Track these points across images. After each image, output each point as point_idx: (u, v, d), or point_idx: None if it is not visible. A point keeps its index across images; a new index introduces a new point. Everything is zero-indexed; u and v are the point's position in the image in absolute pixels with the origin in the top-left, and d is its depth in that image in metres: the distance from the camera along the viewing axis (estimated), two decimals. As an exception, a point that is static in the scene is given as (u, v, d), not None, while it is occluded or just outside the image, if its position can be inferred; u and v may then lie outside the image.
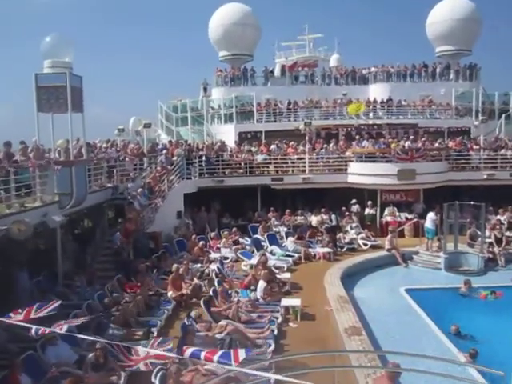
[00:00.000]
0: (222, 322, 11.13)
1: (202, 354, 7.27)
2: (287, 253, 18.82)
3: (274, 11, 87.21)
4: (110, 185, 19.36)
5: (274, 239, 20.09)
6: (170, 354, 7.38)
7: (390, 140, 25.54)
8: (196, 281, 15.08)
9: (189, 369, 8.95)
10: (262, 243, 19.70)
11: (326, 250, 18.98)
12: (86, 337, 7.40)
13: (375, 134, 27.76)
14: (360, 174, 23.05)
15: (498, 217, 21.77)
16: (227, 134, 29.72)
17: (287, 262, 17.69)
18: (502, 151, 24.58)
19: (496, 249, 18.71)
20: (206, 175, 22.92)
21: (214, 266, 16.43)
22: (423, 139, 25.40)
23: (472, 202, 19.43)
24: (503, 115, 30.88)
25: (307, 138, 24.60)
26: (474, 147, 25.07)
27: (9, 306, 11.95)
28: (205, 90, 35.09)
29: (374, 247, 20.21)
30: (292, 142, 25.55)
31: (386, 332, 12.13)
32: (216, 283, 14.31)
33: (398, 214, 22.69)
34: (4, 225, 11.19)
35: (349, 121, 29.30)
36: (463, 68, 34.28)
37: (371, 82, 34.25)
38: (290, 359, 8.79)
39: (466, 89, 32.20)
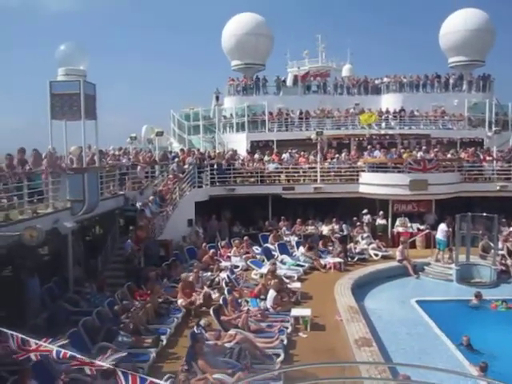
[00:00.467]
0: (232, 331, 11.11)
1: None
2: (298, 262, 18.76)
3: (286, 20, 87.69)
4: (121, 192, 19.44)
5: (284, 248, 20.04)
6: (54, 348, 7.08)
7: (402, 150, 25.46)
8: (206, 289, 15.06)
9: (197, 377, 8.93)
10: (273, 252, 19.65)
11: (337, 259, 18.90)
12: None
13: (387, 144, 27.66)
14: (371, 184, 22.98)
15: (511, 229, 21.55)
16: (239, 142, 29.79)
17: (297, 272, 17.63)
18: (516, 163, 24.38)
19: (509, 261, 18.55)
20: (217, 183, 22.97)
21: (224, 275, 16.42)
22: (436, 150, 25.26)
23: (485, 214, 19.28)
24: (516, 126, 30.69)
25: (319, 147, 24.59)
26: (487, 158, 24.91)
27: (19, 312, 12.08)
28: (217, 98, 35.26)
29: (385, 258, 20.09)
30: (303, 152, 25.58)
31: (396, 343, 12.05)
32: (226, 292, 14.29)
33: (409, 224, 22.56)
34: (16, 231, 11.26)
35: (361, 131, 29.25)
36: (476, 79, 34.13)
37: (383, 92, 34.21)
38: (300, 369, 8.74)
39: (479, 99, 32.04)
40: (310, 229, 22.48)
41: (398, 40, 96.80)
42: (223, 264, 18.22)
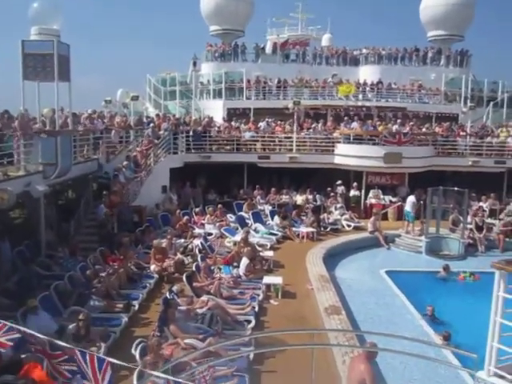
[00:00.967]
0: (204, 298, 11.21)
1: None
2: (271, 231, 18.91)
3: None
4: (95, 156, 19.18)
5: (258, 217, 20.15)
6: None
7: (378, 123, 25.58)
8: (179, 255, 15.12)
9: (169, 342, 9.03)
10: (247, 221, 19.74)
11: (310, 229, 19.10)
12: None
13: (363, 116, 27.74)
14: (347, 155, 23.08)
15: (481, 203, 22.03)
16: (215, 109, 29.52)
17: (270, 241, 17.79)
18: (488, 139, 24.76)
19: (477, 235, 18.97)
20: (192, 150, 22.79)
21: (197, 242, 16.48)
22: (411, 123, 25.45)
23: (456, 188, 19.63)
24: (491, 103, 31.09)
25: (295, 117, 24.53)
26: (461, 133, 25.23)
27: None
28: (194, 64, 34.67)
29: (358, 229, 20.38)
30: (280, 121, 25.51)
31: (365, 312, 12.32)
32: (199, 258, 14.38)
33: (382, 196, 22.82)
34: (-14, 193, 11.08)
35: (338, 102, 29.23)
36: (454, 54, 34.29)
37: (362, 63, 34.17)
38: (270, 336, 8.91)
39: (456, 75, 32.27)
40: (285, 198, 22.61)
41: (378, 11, 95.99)
42: (197, 231, 18.26)
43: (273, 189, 22.92)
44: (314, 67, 33.73)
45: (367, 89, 31.02)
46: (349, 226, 20.62)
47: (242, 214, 20.43)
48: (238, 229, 18.85)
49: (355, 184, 23.09)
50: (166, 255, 14.75)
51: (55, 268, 13.38)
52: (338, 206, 21.88)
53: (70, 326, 9.03)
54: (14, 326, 6.39)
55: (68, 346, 6.27)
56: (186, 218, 18.76)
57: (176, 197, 21.09)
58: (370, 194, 22.84)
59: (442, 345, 10.20)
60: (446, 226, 19.42)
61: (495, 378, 5.59)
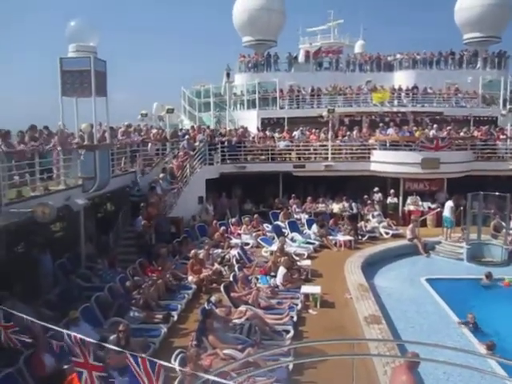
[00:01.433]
0: (242, 308, 11.21)
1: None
2: (308, 240, 18.81)
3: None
4: (132, 169, 19.51)
5: (294, 226, 20.09)
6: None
7: (414, 128, 25.21)
8: (216, 266, 15.18)
9: (208, 353, 9.04)
10: (283, 230, 19.71)
11: (347, 237, 18.92)
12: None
13: (399, 122, 27.38)
14: (383, 162, 22.82)
15: (524, 208, 21.38)
16: (250, 120, 29.64)
17: (308, 249, 17.69)
18: (530, 141, 24.08)
19: (520, 241, 18.41)
20: (228, 161, 22.93)
21: (234, 252, 16.52)
22: (448, 128, 24.98)
23: (497, 193, 19.13)
24: (531, 104, 30.23)
25: (330, 125, 24.41)
26: (501, 137, 24.61)
27: (33, 288, 12.26)
28: (228, 75, 35.00)
29: (396, 236, 20.07)
30: (314, 129, 25.43)
31: (405, 321, 12.10)
32: (236, 269, 14.40)
33: (420, 203, 22.45)
34: (29, 207, 11.35)
35: (373, 108, 28.98)
36: (491, 55, 33.57)
37: (396, 69, 33.75)
38: (309, 346, 8.83)
39: (493, 77, 31.50)
40: (321, 207, 22.48)
41: (411, 16, 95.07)
42: (233, 241, 18.32)
43: (309, 197, 22.82)
44: (347, 74, 33.55)
45: (402, 94, 30.62)
46: (387, 233, 20.33)
47: (279, 223, 20.40)
48: (274, 238, 18.82)
49: (392, 191, 22.77)
50: (204, 266, 14.83)
51: (95, 280, 13.63)
52: (376, 213, 21.62)
53: (111, 337, 9.15)
54: (66, 332, 6.50)
55: (118, 349, 6.39)
56: (222, 228, 18.86)
57: (212, 207, 21.23)
58: (408, 201, 22.49)
59: (487, 354, 9.90)
60: (487, 232, 18.93)
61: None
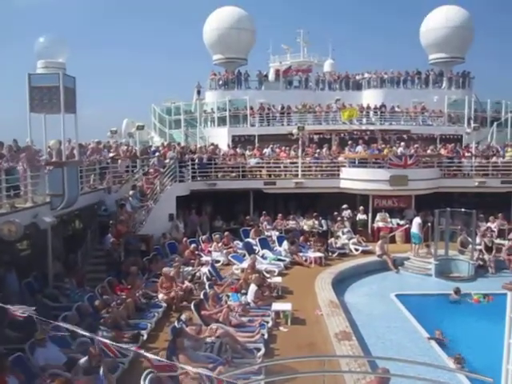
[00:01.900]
0: (213, 326, 11.11)
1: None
2: (279, 257, 18.82)
3: (269, 16, 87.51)
4: (101, 187, 19.29)
5: (265, 243, 20.07)
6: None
7: (382, 146, 25.66)
8: (187, 284, 15.04)
9: (178, 372, 8.91)
10: (254, 247, 19.67)
11: (318, 254, 19.00)
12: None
13: (368, 140, 27.83)
14: (352, 179, 23.11)
15: (489, 224, 21.87)
16: (220, 137, 29.73)
17: (278, 267, 17.68)
18: (494, 159, 24.73)
19: (486, 256, 18.81)
20: (198, 178, 22.87)
21: (205, 269, 16.42)
22: (416, 146, 25.50)
23: (463, 209, 19.54)
24: (495, 123, 31.19)
25: (300, 142, 24.65)
26: (466, 154, 25.22)
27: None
28: (198, 92, 35.15)
29: (366, 252, 20.25)
30: (285, 147, 25.62)
31: (375, 337, 12.17)
32: (207, 286, 14.29)
33: (389, 219, 22.74)
34: (-6, 225, 11.11)
35: (342, 126, 29.40)
36: (456, 76, 34.55)
37: (365, 87, 34.45)
38: (280, 363, 8.80)
39: (458, 96, 32.44)
40: (291, 224, 22.55)
41: (380, 36, 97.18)
42: (204, 259, 18.20)
43: (279, 214, 22.88)
44: (316, 93, 34.06)
45: (371, 112, 31.24)
46: (357, 250, 20.50)
47: (249, 240, 20.37)
48: (245, 255, 18.78)
49: (362, 207, 23.04)
50: (174, 283, 14.68)
51: (63, 299, 13.35)
52: (345, 230, 21.80)
53: (83, 360, 8.92)
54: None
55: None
56: (193, 245, 18.73)
57: (183, 225, 21.09)
58: (377, 218, 22.76)
59: (456, 369, 10.02)
60: (454, 247, 19.28)
61: (511, 401, 5.46)
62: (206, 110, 33.11)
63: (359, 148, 25.00)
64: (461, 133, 30.02)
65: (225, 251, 19.12)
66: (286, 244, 19.60)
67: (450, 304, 15.08)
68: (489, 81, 73.76)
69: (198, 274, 16.39)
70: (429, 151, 25.45)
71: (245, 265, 16.84)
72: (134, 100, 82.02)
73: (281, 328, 12.28)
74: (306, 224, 22.36)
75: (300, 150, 24.40)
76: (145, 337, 11.28)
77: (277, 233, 21.47)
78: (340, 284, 16.54)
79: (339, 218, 22.49)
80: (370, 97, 33.15)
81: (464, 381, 9.37)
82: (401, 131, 29.44)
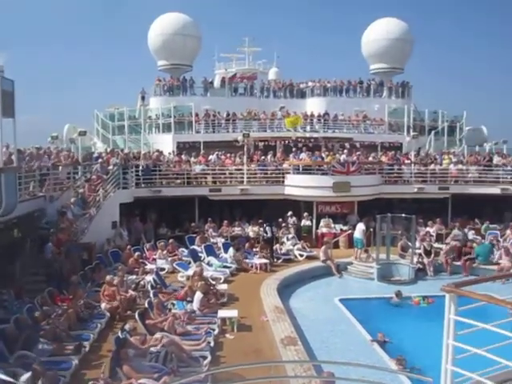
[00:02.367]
0: (158, 335, 10.95)
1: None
2: (224, 264, 18.79)
3: (214, 23, 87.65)
4: (41, 194, 18.69)
5: (211, 250, 20.00)
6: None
7: (326, 153, 26.11)
8: (131, 292, 14.76)
9: (123, 383, 8.75)
10: (199, 254, 19.57)
11: (263, 260, 19.09)
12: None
13: (312, 147, 28.24)
14: (297, 185, 23.38)
15: (428, 229, 22.62)
16: (165, 143, 29.44)
17: (224, 273, 17.65)
18: (431, 166, 25.64)
19: (425, 259, 19.44)
20: (142, 185, 22.53)
21: (149, 278, 16.18)
22: (358, 153, 26.10)
23: (403, 215, 20.15)
24: (432, 132, 32.38)
25: (245, 149, 24.76)
26: (406, 161, 26.04)
27: None
28: (143, 98, 34.74)
29: (310, 258, 20.50)
30: (230, 154, 25.66)
31: (321, 341, 12.33)
32: (152, 295, 14.08)
33: (333, 225, 23.12)
34: None
35: (286, 133, 29.69)
36: (396, 85, 35.66)
37: (308, 95, 35.00)
38: (227, 371, 8.76)
39: (398, 105, 33.49)
40: (237, 230, 22.58)
41: (322, 45, 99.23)
42: (148, 267, 17.93)
43: (225, 221, 22.87)
44: (261, 100, 34.34)
45: (314, 120, 31.76)
46: (301, 255, 20.73)
47: (195, 247, 20.25)
48: (190, 263, 18.64)
49: (306, 214, 23.33)
50: (118, 292, 14.37)
51: (0, 311, 12.80)
52: (290, 236, 22.01)
53: (26, 375, 8.56)
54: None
55: None
56: (137, 253, 18.41)
57: (126, 232, 20.71)
58: (321, 223, 23.11)
59: (398, 370, 10.29)
60: (395, 252, 19.83)
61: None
62: (151, 116, 32.71)
63: (303, 155, 25.34)
64: (401, 141, 30.99)
65: (170, 259, 18.90)
66: (231, 251, 19.59)
67: (391, 307, 15.48)
68: (426, 91, 76.71)
69: (142, 282, 16.13)
70: (370, 158, 26.12)
71: (190, 272, 16.71)
72: (76, 105, 79.93)
73: (227, 335, 12.24)
74: (252, 230, 22.45)
75: (245, 157, 24.50)
76: (87, 348, 10.97)
77: (222, 240, 21.43)
78: (285, 290, 16.68)
79: (284, 225, 22.69)
80: (314, 105, 33.70)
81: (405, 381, 9.63)
82: (343, 139, 30.04)
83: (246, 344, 11.58)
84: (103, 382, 8.24)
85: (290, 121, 29.09)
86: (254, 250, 20.43)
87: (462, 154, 29.13)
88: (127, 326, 11.25)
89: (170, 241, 20.36)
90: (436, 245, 20.95)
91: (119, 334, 11.02)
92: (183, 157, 25.40)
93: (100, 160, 22.12)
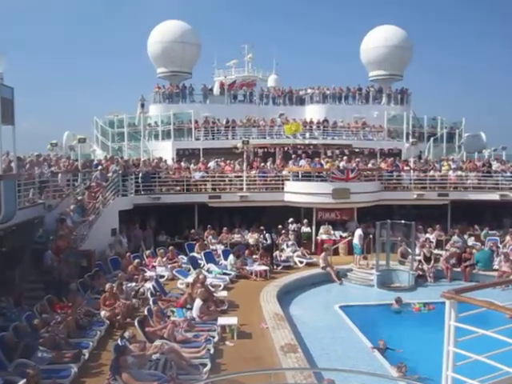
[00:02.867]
0: (157, 342, 10.92)
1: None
2: (224, 271, 18.76)
3: (213, 30, 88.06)
4: (41, 201, 18.67)
5: (210, 257, 19.98)
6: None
7: (326, 160, 26.14)
8: (130, 300, 14.72)
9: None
10: (199, 261, 19.56)
11: (263, 267, 19.06)
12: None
13: (311, 154, 28.28)
14: (296, 192, 23.39)
15: (427, 235, 22.61)
16: (164, 150, 29.47)
17: (224, 281, 17.61)
18: (431, 172, 25.66)
19: (425, 266, 19.42)
20: (142, 192, 22.53)
21: (149, 285, 16.14)
22: (357, 160, 26.13)
23: (403, 221, 20.14)
24: (431, 138, 32.42)
25: (245, 156, 24.75)
26: (405, 168, 26.06)
27: None
28: (142, 106, 34.80)
29: (310, 265, 20.47)
30: (229, 160, 25.68)
31: (321, 348, 12.29)
32: (151, 302, 14.04)
33: (332, 232, 23.11)
34: None
35: (286, 140, 29.75)
36: (395, 92, 35.76)
37: (307, 102, 35.08)
38: (226, 378, 8.73)
39: (397, 112, 33.56)
40: (236, 237, 22.56)
41: (321, 52, 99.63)
42: (148, 274, 17.89)
43: (224, 228, 22.85)
44: (261, 107, 34.44)
45: (313, 127, 31.81)
46: (301, 262, 20.71)
47: (194, 254, 20.24)
48: (190, 270, 18.62)
49: (306, 220, 23.32)
50: (117, 300, 14.33)
51: (-2, 319, 12.77)
52: (290, 243, 21.97)
53: (21, 382, 8.53)
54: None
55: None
56: (136, 260, 18.37)
57: (126, 239, 20.69)
58: (321, 230, 23.09)
59: (399, 377, 10.25)
60: (395, 258, 19.81)
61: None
62: (150, 123, 32.76)
63: (303, 162, 25.36)
64: (400, 147, 31.04)
65: (169, 266, 18.86)
66: (231, 258, 19.56)
67: (391, 313, 15.44)
68: (425, 98, 76.92)
69: (141, 289, 16.09)
70: (370, 165, 26.15)
71: (190, 279, 16.67)
72: (76, 112, 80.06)
73: (227, 342, 12.20)
74: (251, 237, 22.41)
75: (245, 164, 24.52)
76: (86, 356, 10.93)
77: (222, 247, 21.42)
78: (285, 297, 16.64)
79: (284, 231, 22.67)
80: (313, 112, 33.77)
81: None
82: (343, 146, 30.06)
83: (246, 351, 11.54)
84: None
85: (289, 128, 29.14)
86: (254, 256, 20.40)
87: (462, 160, 29.18)
88: (127, 334, 11.20)
89: (170, 248, 20.31)
90: (436, 251, 20.94)
91: (119, 341, 10.98)
92: (182, 164, 25.41)
93: (100, 167, 22.11)
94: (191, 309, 13.84)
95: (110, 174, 21.36)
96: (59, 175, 20.67)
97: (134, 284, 16.54)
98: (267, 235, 21.67)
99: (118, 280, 15.64)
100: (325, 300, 17.07)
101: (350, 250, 21.35)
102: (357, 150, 29.82)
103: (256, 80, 38.91)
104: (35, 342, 10.88)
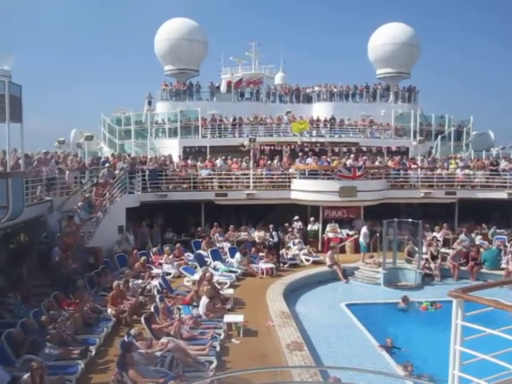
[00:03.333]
0: (163, 339, 10.95)
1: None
2: (230, 268, 18.78)
3: (221, 27, 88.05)
4: (48, 198, 18.75)
5: (217, 255, 20.01)
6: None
7: (333, 158, 26.10)
8: (137, 297, 14.77)
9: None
10: (205, 259, 19.58)
11: (269, 265, 19.07)
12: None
13: (318, 152, 28.24)
14: (303, 190, 23.38)
15: (434, 233, 22.53)
16: (171, 148, 29.51)
17: (230, 278, 17.63)
18: (438, 171, 25.57)
19: (432, 264, 19.36)
20: (149, 190, 22.58)
21: (155, 282, 16.19)
22: (364, 158, 26.07)
23: (410, 219, 20.08)
24: (439, 136, 32.28)
25: (251, 154, 24.75)
26: (412, 166, 25.96)
27: None
28: (149, 103, 34.84)
29: (316, 263, 20.45)
30: (236, 158, 25.67)
31: (327, 347, 12.28)
32: (158, 299, 14.08)
33: (339, 230, 23.08)
34: None
35: (292, 138, 29.70)
36: (402, 90, 35.62)
37: (315, 100, 35.00)
38: (233, 376, 8.74)
39: (404, 110, 33.42)
40: (243, 235, 22.57)
41: (329, 50, 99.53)
42: (155, 271, 17.94)
43: (231, 226, 22.87)
44: (267, 105, 34.37)
45: (320, 125, 31.75)
46: (307, 260, 20.70)
47: (201, 252, 20.26)
48: (196, 267, 18.65)
49: (312, 218, 23.30)
50: (124, 297, 14.39)
51: (6, 315, 12.85)
52: (296, 241, 21.97)
53: (25, 377, 8.61)
54: None
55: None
56: (143, 258, 18.43)
57: (133, 237, 20.74)
58: (328, 228, 23.07)
59: (405, 376, 10.24)
60: (402, 257, 19.74)
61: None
62: (157, 120, 32.81)
63: (309, 160, 25.32)
64: (407, 145, 30.92)
65: (176, 263, 18.91)
66: (238, 255, 19.57)
67: (398, 312, 15.40)
68: (433, 95, 76.62)
69: (148, 286, 16.14)
70: (377, 163, 26.08)
71: (196, 277, 16.70)
72: (83, 110, 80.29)
73: (233, 340, 12.22)
74: (258, 235, 22.42)
75: (251, 162, 24.52)
76: (93, 352, 10.98)
77: (228, 244, 21.43)
78: (291, 294, 16.63)
79: (290, 229, 22.66)
80: (320, 110, 33.72)
81: (412, 387, 9.56)
82: (350, 143, 30.00)
83: (252, 349, 11.55)
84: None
85: (296, 126, 29.09)
86: (260, 254, 20.41)
87: (470, 158, 29.04)
88: (133, 331, 11.25)
89: (177, 245, 20.37)
90: (443, 250, 20.87)
91: (125, 338, 11.02)
92: (189, 161, 25.45)
93: (107, 164, 22.16)
94: (197, 306, 13.87)
95: (117, 172, 21.42)
96: (67, 172, 20.73)
97: (140, 281, 16.59)
98: (274, 233, 21.67)
99: (124, 277, 15.72)
100: (331, 298, 17.03)
101: (357, 248, 21.36)
102: (364, 148, 29.71)
103: (263, 78, 38.87)
104: (42, 338, 10.94)
